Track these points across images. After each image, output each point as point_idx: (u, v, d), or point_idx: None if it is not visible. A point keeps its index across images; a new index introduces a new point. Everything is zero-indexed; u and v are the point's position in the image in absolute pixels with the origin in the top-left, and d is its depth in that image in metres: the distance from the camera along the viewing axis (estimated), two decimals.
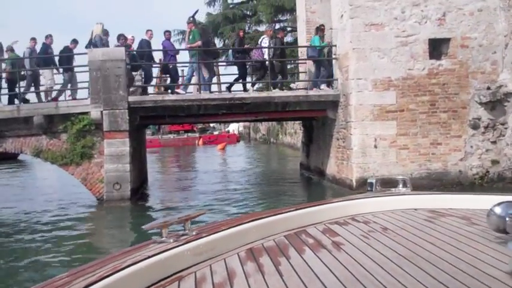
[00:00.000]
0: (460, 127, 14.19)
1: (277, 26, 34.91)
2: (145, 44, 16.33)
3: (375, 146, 14.09)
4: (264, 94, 15.83)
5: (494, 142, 14.09)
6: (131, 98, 15.36)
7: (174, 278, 2.24)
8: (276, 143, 44.98)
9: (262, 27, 36.33)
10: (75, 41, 16.35)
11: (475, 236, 2.69)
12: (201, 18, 38.89)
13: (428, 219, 3.23)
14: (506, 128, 13.93)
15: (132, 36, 16.78)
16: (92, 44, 15.86)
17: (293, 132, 37.58)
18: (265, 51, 16.33)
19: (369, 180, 4.02)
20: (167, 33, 17.54)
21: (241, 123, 64.00)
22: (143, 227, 2.68)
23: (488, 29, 14.01)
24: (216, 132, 57.83)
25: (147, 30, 16.56)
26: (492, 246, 2.45)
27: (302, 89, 17.06)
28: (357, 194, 4.28)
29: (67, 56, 16.06)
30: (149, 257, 2.24)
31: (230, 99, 15.43)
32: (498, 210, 2.39)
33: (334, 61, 15.99)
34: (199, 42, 16.17)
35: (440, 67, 14.19)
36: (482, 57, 14.08)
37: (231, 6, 41.06)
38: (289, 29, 36.87)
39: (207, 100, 15.46)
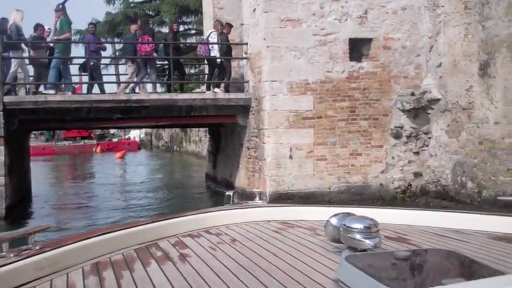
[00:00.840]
0: (381, 136, 12.99)
1: (181, 27, 33.02)
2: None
3: (290, 157, 12.58)
4: (166, 96, 13.88)
5: (417, 153, 13.00)
6: (7, 98, 12.92)
7: None
8: (180, 151, 42.83)
9: (165, 29, 34.24)
10: None
11: (316, 246, 2.88)
12: (100, 17, 36.25)
13: (277, 230, 3.37)
14: (430, 138, 12.88)
15: (49, 28, 14.59)
16: (4, 33, 13.38)
17: (198, 140, 35.71)
18: (214, 47, 14.36)
19: (226, 193, 4.07)
20: (91, 26, 15.77)
21: (143, 130, 61.66)
22: None
23: (412, 29, 12.92)
24: (115, 139, 54.75)
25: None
26: (327, 256, 2.67)
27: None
28: (214, 207, 4.24)
29: None
30: None
31: (126, 101, 13.38)
32: (334, 221, 2.59)
33: (244, 61, 14.38)
34: (67, 34, 14.12)
35: (361, 70, 12.94)
36: (406, 60, 12.97)
37: (132, 5, 38.69)
38: (193, 31, 35.16)
39: (98, 102, 13.31)
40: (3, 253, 2.42)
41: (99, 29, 28.72)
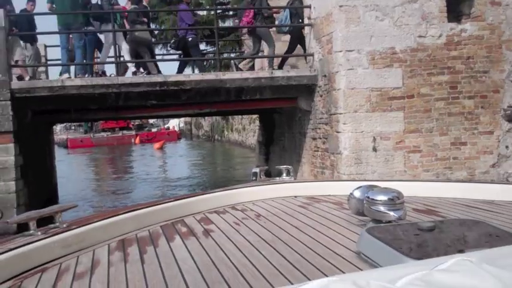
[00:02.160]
0: (491, 119, 9.94)
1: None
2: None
3: (374, 149, 9.68)
4: (211, 76, 11.05)
5: None
6: (15, 84, 10.41)
7: (38, 270, 2.21)
8: (221, 140, 40.26)
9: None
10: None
11: (340, 219, 2.83)
12: None
13: (303, 205, 3.36)
14: None
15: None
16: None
17: (241, 129, 32.98)
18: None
19: (253, 170, 4.03)
20: None
21: (182, 118, 59.56)
22: (8, 220, 2.65)
23: None
24: (154, 129, 52.58)
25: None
26: (351, 228, 2.57)
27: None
28: (241, 184, 4.13)
29: None
30: (11, 249, 2.22)
31: (162, 83, 10.68)
32: (357, 193, 2.53)
33: (307, 29, 11.47)
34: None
35: (463, 33, 9.90)
36: None
37: None
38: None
39: (127, 86, 10.64)
40: (31, 231, 2.46)
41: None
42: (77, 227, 2.62)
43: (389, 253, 1.87)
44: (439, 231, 2.10)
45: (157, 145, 38.40)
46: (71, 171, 26.47)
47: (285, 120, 13.42)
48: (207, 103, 11.73)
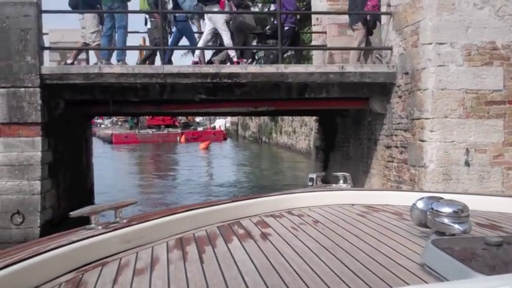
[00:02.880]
0: None
1: None
2: None
3: (467, 163, 7.97)
4: (271, 69, 9.49)
5: None
6: (46, 69, 9.14)
7: (98, 264, 2.24)
8: (269, 143, 38.71)
9: None
10: None
11: (401, 230, 2.76)
12: None
13: (361, 213, 3.31)
14: None
15: None
16: None
17: (291, 131, 31.36)
18: None
19: (310, 175, 3.95)
20: None
21: (229, 118, 58.42)
22: (71, 213, 2.50)
23: None
24: (200, 128, 51.47)
25: None
26: (413, 240, 2.50)
27: None
28: (297, 189, 4.01)
29: None
30: (73, 242, 2.25)
31: (214, 75, 9.22)
32: (420, 204, 2.45)
33: (384, 19, 9.83)
34: None
35: None
36: None
37: None
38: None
39: (174, 76, 9.22)
40: (92, 225, 2.49)
41: None
42: (136, 223, 2.64)
43: (457, 267, 1.77)
44: (507, 247, 1.98)
45: (203, 145, 37.15)
46: (113, 167, 25.58)
47: (350, 124, 11.78)
48: (264, 100, 10.21)
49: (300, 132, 28.71)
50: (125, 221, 2.65)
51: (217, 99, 9.96)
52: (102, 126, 71.76)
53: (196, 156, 31.81)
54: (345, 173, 3.92)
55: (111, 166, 25.63)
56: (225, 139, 47.92)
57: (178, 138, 46.11)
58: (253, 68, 9.61)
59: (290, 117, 30.31)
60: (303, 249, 2.43)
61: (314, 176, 3.92)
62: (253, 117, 42.95)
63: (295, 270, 2.07)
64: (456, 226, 2.24)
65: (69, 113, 10.23)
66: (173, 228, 2.79)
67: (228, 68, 9.44)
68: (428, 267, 2.00)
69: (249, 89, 9.62)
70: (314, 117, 16.13)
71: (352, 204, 3.56)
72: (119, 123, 65.43)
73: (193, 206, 3.25)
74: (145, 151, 38.18)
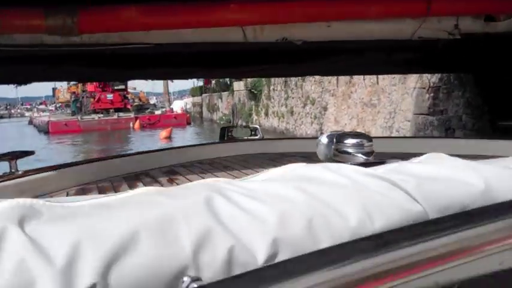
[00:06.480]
0: None
1: None
2: None
3: None
4: None
5: None
6: None
7: None
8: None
9: None
10: None
11: None
12: None
13: (271, 159, 3.51)
14: None
15: None
16: None
17: (285, 112, 23.23)
18: None
19: (221, 128, 4.54)
20: None
21: (189, 99, 50.51)
22: None
23: None
24: (158, 112, 42.75)
25: None
26: None
27: None
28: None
29: None
30: None
31: None
32: (325, 140, 2.50)
33: None
34: None
35: None
36: None
37: None
38: None
39: None
40: None
41: None
42: (33, 174, 2.58)
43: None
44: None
45: (164, 133, 28.55)
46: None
47: None
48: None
49: (303, 113, 20.70)
50: (20, 172, 2.61)
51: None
52: (42, 113, 62.26)
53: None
54: (255, 125, 4.47)
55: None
56: (188, 124, 39.57)
57: (131, 124, 37.67)
58: None
59: (283, 95, 22.38)
60: None
61: (225, 128, 4.28)
62: (223, 94, 34.99)
63: None
64: (360, 156, 2.27)
65: None
66: (74, 178, 2.78)
67: None
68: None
69: None
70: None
71: (265, 154, 3.79)
72: (51, 107, 56.29)
73: (99, 158, 3.31)
74: (89, 143, 29.80)
